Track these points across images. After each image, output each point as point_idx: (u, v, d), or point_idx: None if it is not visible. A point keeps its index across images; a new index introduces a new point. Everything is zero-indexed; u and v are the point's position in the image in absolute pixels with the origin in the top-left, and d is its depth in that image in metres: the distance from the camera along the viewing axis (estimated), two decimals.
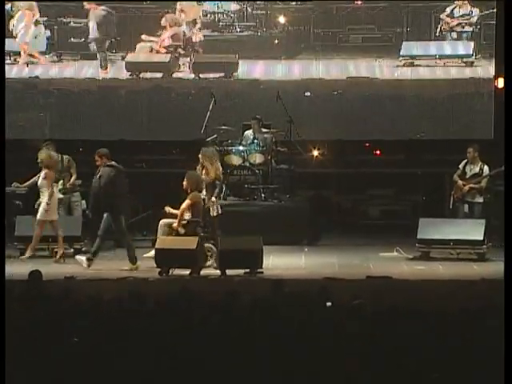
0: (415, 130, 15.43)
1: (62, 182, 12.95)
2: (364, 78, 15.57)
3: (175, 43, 15.67)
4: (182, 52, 15.68)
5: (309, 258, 12.58)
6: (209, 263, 11.68)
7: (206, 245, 11.76)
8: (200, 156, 12.20)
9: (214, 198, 11.97)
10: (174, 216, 11.84)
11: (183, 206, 11.87)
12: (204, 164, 12.09)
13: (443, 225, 12.51)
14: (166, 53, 15.68)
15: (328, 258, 12.47)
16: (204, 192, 11.95)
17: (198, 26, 15.68)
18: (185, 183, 11.90)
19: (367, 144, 15.57)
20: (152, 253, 11.91)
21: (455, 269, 11.77)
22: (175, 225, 11.83)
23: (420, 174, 15.05)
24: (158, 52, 15.66)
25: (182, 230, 11.83)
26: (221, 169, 12.24)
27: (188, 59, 15.73)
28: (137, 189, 13.83)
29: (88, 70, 15.74)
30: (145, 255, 12.05)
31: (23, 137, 15.25)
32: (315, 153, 15.03)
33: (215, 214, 11.92)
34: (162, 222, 11.99)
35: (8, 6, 15.56)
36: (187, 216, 11.82)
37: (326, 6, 15.64)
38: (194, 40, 15.69)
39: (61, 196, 12.91)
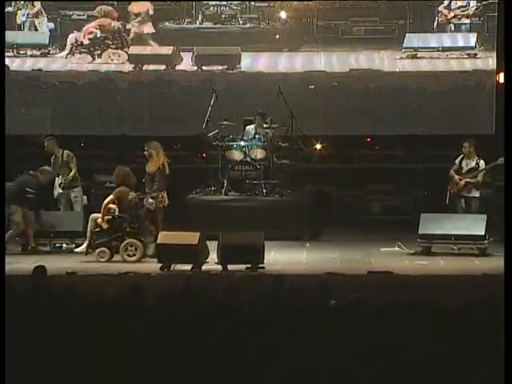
0: (417, 123, 15.42)
1: (61, 176, 12.96)
2: (367, 71, 15.54)
3: (103, 34, 15.55)
4: (110, 43, 15.58)
5: (310, 253, 12.59)
6: (133, 259, 11.75)
7: (131, 240, 11.82)
8: (145, 149, 12.27)
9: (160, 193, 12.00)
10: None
11: (106, 201, 11.94)
12: (149, 156, 12.15)
13: (444, 220, 12.50)
14: (90, 44, 15.56)
15: (329, 253, 12.47)
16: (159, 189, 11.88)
17: (140, 19, 15.58)
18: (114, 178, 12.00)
19: (368, 139, 15.55)
20: (82, 247, 11.97)
21: (456, 264, 11.77)
22: (99, 220, 11.88)
23: (421, 169, 15.05)
24: (81, 43, 15.54)
25: (105, 225, 11.89)
26: (165, 162, 12.25)
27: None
28: (139, 184, 13.84)
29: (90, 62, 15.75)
30: (75, 250, 12.09)
31: (24, 131, 15.26)
32: (316, 148, 15.04)
33: (152, 208, 11.94)
34: (91, 216, 12.07)
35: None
36: (116, 211, 11.91)
37: None
38: (131, 33, 15.56)
39: (60, 191, 12.92)
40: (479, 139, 13.27)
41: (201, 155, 15.04)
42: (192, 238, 11.45)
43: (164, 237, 11.55)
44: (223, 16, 15.74)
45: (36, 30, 15.76)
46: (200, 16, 15.77)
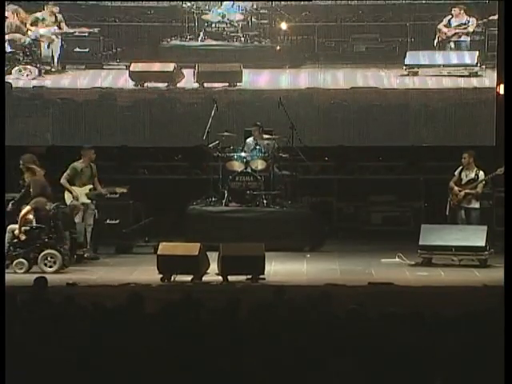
0: (419, 136, 15.45)
1: (90, 187, 12.95)
2: (368, 88, 15.57)
3: (13, 50, 15.44)
4: (20, 58, 15.48)
5: (310, 264, 12.58)
6: (51, 269, 11.69)
7: (49, 251, 11.78)
8: (20, 163, 12.23)
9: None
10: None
11: (23, 212, 11.88)
12: (25, 169, 12.11)
13: (445, 231, 12.50)
14: (9, 59, 15.43)
15: (330, 264, 12.48)
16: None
17: (24, 30, 15.49)
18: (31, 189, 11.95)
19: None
20: None
21: (457, 275, 11.76)
22: (16, 231, 11.83)
23: (422, 181, 15.07)
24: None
25: (23, 237, 11.83)
26: (40, 173, 12.17)
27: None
28: (139, 195, 13.86)
29: (92, 79, 15.76)
30: None
31: (25, 144, 15.31)
32: (317, 159, 15.07)
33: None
34: (9, 227, 11.95)
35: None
36: (33, 221, 11.85)
37: (330, 15, 15.66)
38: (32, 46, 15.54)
39: (87, 201, 12.91)
40: (480, 151, 13.30)
41: (201, 166, 15.07)
42: (193, 248, 11.46)
43: (165, 248, 11.55)
44: (225, 33, 15.78)
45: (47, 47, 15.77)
46: (202, 33, 15.80)
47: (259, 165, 13.81)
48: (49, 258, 11.79)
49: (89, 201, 12.89)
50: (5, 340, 5.96)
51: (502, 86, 14.69)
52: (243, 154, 13.85)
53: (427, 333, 6.26)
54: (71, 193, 12.83)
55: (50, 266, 11.77)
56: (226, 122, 14.58)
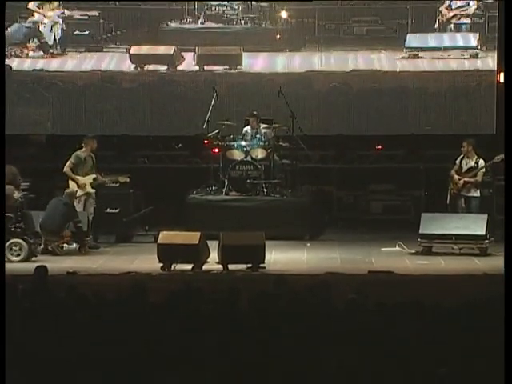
0: (419, 123, 15.43)
1: (94, 176, 12.93)
2: (368, 71, 15.55)
3: None
4: None
5: (311, 252, 12.59)
6: (17, 259, 11.62)
7: (15, 240, 11.70)
8: None
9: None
10: None
11: None
12: None
13: (445, 219, 12.51)
14: None
15: (330, 253, 12.49)
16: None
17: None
18: None
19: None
20: None
21: (457, 264, 11.77)
22: None
23: (422, 169, 15.05)
24: None
25: None
26: None
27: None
28: (139, 184, 13.85)
29: (92, 62, 15.73)
30: None
31: (25, 131, 15.28)
32: (317, 148, 15.04)
33: None
34: None
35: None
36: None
37: None
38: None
39: (92, 191, 12.89)
40: (481, 139, 13.28)
41: (201, 155, 15.06)
42: (193, 237, 11.47)
43: (165, 236, 11.56)
44: (225, 16, 15.74)
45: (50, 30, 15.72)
46: (202, 16, 15.76)
47: (259, 153, 13.79)
48: (14, 248, 11.70)
49: (93, 190, 12.89)
50: (5, 332, 5.96)
51: (502, 75, 14.65)
52: (243, 143, 13.83)
53: (427, 321, 6.27)
54: (76, 182, 12.82)
55: (16, 255, 11.69)
56: (226, 108, 14.54)
